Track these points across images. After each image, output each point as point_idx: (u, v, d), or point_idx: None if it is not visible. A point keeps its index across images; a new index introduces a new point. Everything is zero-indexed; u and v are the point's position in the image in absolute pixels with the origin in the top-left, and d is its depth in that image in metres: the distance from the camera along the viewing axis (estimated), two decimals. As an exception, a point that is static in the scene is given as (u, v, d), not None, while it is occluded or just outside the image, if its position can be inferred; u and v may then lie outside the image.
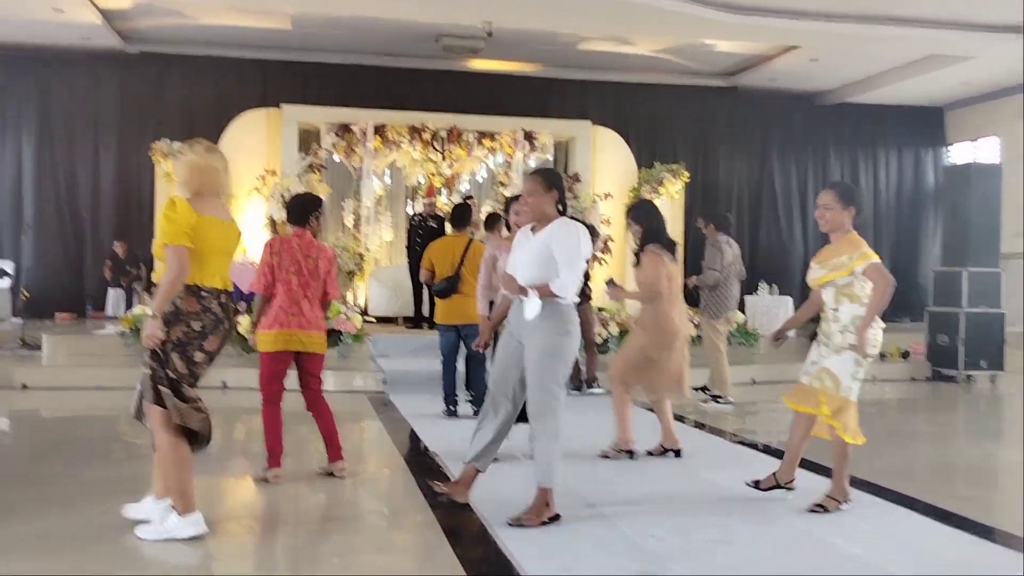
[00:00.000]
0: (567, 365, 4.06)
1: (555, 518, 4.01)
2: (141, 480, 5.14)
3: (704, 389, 7.95)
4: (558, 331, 3.99)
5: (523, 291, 3.95)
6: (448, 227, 8.54)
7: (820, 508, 4.29)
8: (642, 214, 5.60)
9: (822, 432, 4.42)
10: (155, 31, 12.50)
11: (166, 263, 3.66)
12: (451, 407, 6.90)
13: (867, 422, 7.75)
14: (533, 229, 4.13)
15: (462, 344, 6.81)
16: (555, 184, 4.11)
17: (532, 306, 3.92)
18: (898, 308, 15.50)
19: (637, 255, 5.56)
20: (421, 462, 5.47)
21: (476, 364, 6.62)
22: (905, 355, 10.70)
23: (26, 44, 12.50)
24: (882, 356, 10.74)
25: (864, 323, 4.16)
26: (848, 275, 4.20)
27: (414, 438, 6.23)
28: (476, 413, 6.02)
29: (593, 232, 5.76)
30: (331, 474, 4.94)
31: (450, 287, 6.72)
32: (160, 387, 3.66)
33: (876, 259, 4.18)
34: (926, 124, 15.56)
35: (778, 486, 4.55)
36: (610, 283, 5.64)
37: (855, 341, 4.19)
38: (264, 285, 4.83)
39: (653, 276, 5.36)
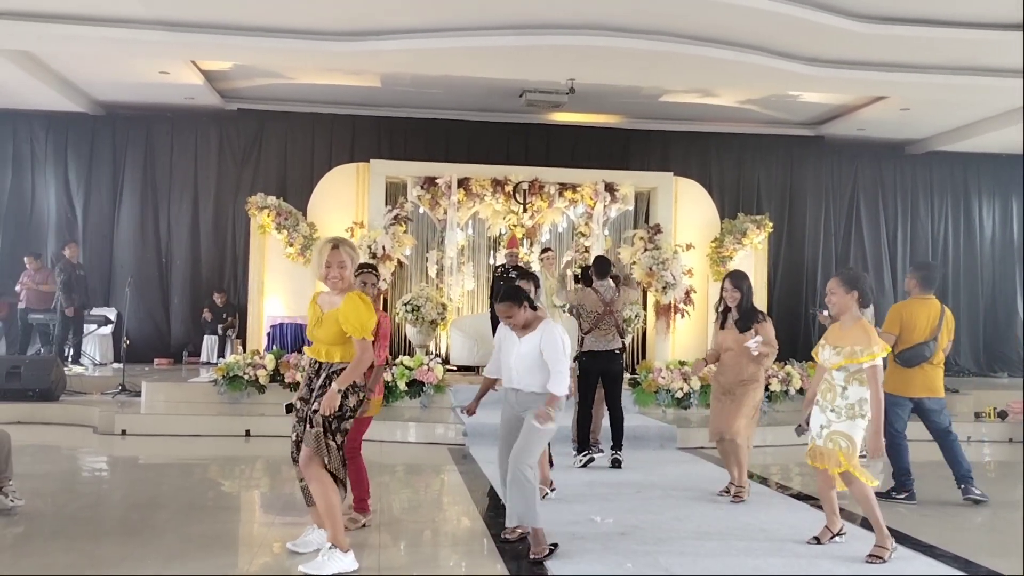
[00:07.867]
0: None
1: (554, 546, 4.70)
2: (231, 534, 5.34)
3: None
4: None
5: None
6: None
7: (876, 559, 4.62)
8: (745, 284, 6.20)
9: (839, 485, 4.86)
10: (253, 90, 13.13)
11: (357, 349, 4.30)
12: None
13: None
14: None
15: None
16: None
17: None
18: (994, 362, 15.05)
19: (726, 315, 6.25)
20: (496, 518, 5.51)
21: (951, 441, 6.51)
22: (1002, 415, 10.22)
23: (134, 104, 13.29)
24: (977, 416, 10.32)
25: (875, 430, 4.62)
26: (858, 364, 4.72)
27: (492, 494, 6.28)
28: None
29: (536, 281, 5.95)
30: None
31: (922, 354, 6.40)
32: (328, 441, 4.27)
33: (880, 360, 4.67)
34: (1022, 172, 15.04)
35: (834, 536, 5.02)
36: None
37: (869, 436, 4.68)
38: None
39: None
